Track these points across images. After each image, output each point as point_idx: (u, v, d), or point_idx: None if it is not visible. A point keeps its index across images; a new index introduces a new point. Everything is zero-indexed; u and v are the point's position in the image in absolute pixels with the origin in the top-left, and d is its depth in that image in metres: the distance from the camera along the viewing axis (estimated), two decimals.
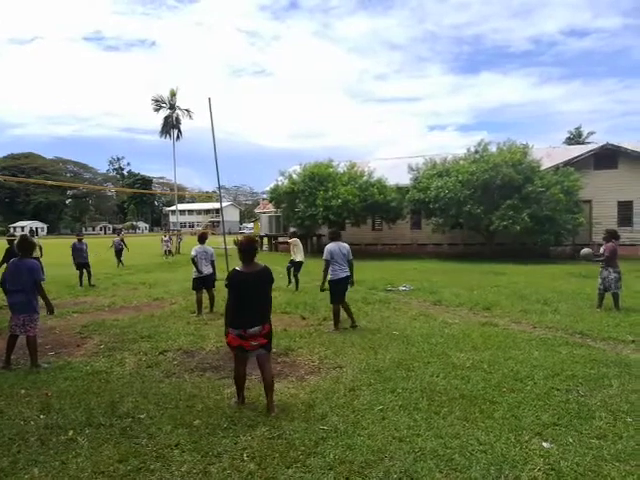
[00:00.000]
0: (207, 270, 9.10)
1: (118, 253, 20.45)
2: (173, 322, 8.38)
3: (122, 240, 20.93)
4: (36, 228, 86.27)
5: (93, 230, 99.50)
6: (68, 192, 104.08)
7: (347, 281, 7.85)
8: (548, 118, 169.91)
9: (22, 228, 75.90)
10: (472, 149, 23.29)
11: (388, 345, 6.61)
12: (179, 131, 35.23)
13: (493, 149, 22.57)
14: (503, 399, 4.54)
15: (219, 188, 11.72)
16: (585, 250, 10.12)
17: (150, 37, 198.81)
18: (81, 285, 13.52)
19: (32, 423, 3.98)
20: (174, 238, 32.16)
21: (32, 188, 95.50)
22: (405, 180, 24.73)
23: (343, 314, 7.99)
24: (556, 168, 21.86)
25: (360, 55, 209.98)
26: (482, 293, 11.29)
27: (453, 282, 13.45)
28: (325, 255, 7.77)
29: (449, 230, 23.23)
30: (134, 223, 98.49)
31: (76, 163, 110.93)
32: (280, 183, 25.99)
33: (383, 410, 4.29)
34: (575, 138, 53.24)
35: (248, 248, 4.38)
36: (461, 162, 23.07)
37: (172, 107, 34.34)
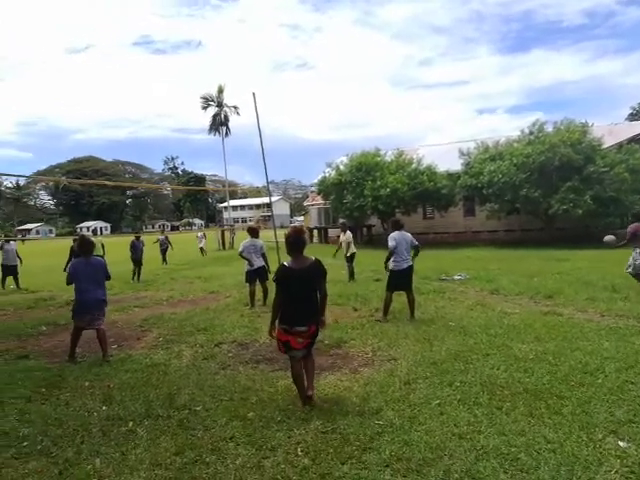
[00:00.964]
0: (259, 263, 9.16)
1: (163, 251, 20.51)
2: (228, 315, 8.51)
3: (167, 238, 20.97)
4: (100, 228, 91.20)
5: (152, 228, 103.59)
6: (128, 192, 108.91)
7: (409, 272, 7.66)
8: (608, 94, 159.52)
9: (88, 228, 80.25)
10: (526, 130, 22.20)
11: (444, 336, 6.39)
12: (227, 128, 35.87)
13: (549, 129, 21.42)
14: (572, 394, 4.24)
15: (267, 182, 11.76)
16: (607, 237, 9.85)
17: (196, 38, 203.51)
18: (133, 280, 14.19)
19: (95, 414, 4.12)
20: (227, 233, 32.83)
21: (95, 190, 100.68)
22: (456, 166, 23.98)
23: (396, 305, 7.83)
24: (619, 146, 20.47)
25: (403, 41, 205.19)
26: (543, 281, 10.75)
27: (511, 270, 12.90)
28: (390, 243, 7.59)
29: (505, 216, 22.35)
30: (190, 220, 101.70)
31: (134, 164, 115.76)
32: (327, 175, 25.91)
33: (441, 405, 4.12)
34: (639, 114, 49.61)
35: (296, 240, 4.21)
36: (515, 144, 22.08)
37: (220, 104, 34.98)
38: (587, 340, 5.94)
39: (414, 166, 24.73)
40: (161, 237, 21.15)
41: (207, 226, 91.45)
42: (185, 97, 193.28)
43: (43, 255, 27.63)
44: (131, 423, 3.92)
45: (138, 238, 14.85)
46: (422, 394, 4.39)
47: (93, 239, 16.63)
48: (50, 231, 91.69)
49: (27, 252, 20.80)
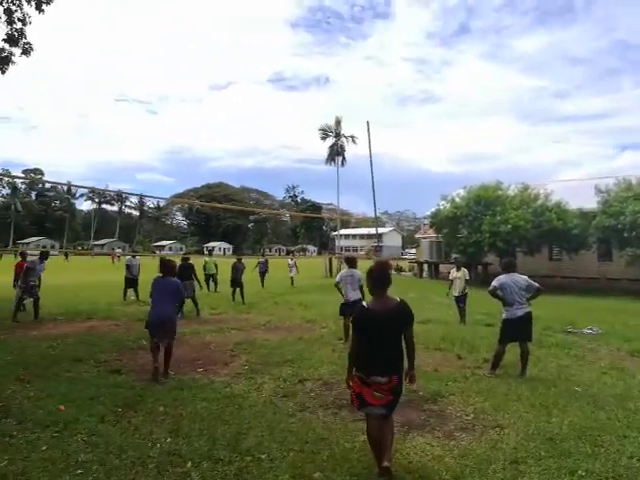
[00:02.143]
0: (354, 296, 8.64)
1: (262, 274, 20.33)
2: (318, 347, 8.10)
3: (266, 262, 20.82)
4: (224, 248, 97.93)
5: (270, 251, 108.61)
6: (250, 217, 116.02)
7: (527, 319, 6.59)
8: None
9: (212, 247, 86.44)
10: None
11: (567, 405, 5.26)
12: (343, 158, 36.44)
13: None
14: None
15: (375, 211, 11.34)
16: None
17: (324, 74, 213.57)
18: (233, 300, 14.54)
19: (157, 446, 3.87)
20: (335, 261, 32.81)
21: (222, 213, 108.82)
22: (591, 204, 21.49)
23: (510, 357, 6.79)
24: None
25: (535, 73, 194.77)
26: None
27: None
28: (490, 286, 6.75)
29: None
30: (304, 246, 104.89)
31: (258, 191, 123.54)
32: (442, 207, 24.80)
33: None
34: None
35: (379, 276, 3.61)
36: None
37: (337, 135, 35.75)
38: None
39: (540, 202, 22.68)
40: (261, 260, 21.22)
41: (320, 253, 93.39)
42: (309, 130, 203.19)
43: None
44: (189, 463, 3.60)
45: (240, 260, 15.38)
46: None
47: (207, 259, 17.67)
48: (181, 249, 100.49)
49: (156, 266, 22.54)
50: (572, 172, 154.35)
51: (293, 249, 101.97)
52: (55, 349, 7.41)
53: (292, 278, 22.09)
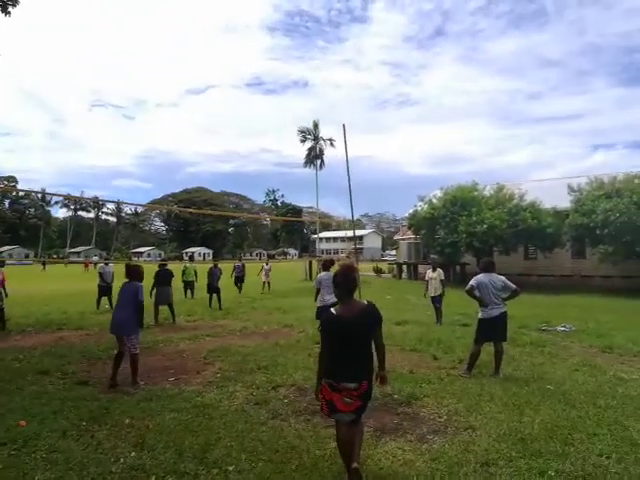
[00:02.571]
0: (331, 299, 8.61)
1: (237, 279, 19.76)
2: (294, 353, 8.01)
3: (243, 266, 20.30)
4: (203, 253, 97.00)
5: (250, 256, 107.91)
6: (230, 221, 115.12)
7: (502, 319, 6.63)
8: None
9: (192, 253, 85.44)
10: None
11: (539, 404, 5.29)
12: (322, 161, 36.41)
13: None
14: None
15: (352, 214, 11.28)
16: None
17: (303, 78, 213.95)
18: (210, 306, 14.42)
19: (121, 461, 3.74)
20: (315, 263, 32.75)
21: (201, 218, 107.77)
22: (564, 203, 21.89)
23: (485, 357, 6.82)
24: None
25: (511, 75, 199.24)
26: None
27: (629, 324, 11.04)
28: (469, 284, 6.75)
29: (622, 260, 19.67)
30: (285, 250, 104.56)
31: (238, 195, 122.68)
32: (419, 209, 24.98)
33: None
34: None
35: (343, 281, 3.55)
36: (636, 181, 19.60)
37: (316, 138, 35.71)
38: None
39: (515, 202, 23.00)
40: (237, 264, 20.69)
41: (301, 256, 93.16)
42: (289, 133, 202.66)
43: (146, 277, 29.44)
44: (153, 478, 3.47)
45: (216, 265, 15.17)
46: None
47: (188, 264, 17.42)
48: (159, 255, 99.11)
49: None
50: (546, 172, 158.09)
51: (274, 253, 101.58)
52: (20, 361, 7.18)
53: (267, 283, 21.29)
